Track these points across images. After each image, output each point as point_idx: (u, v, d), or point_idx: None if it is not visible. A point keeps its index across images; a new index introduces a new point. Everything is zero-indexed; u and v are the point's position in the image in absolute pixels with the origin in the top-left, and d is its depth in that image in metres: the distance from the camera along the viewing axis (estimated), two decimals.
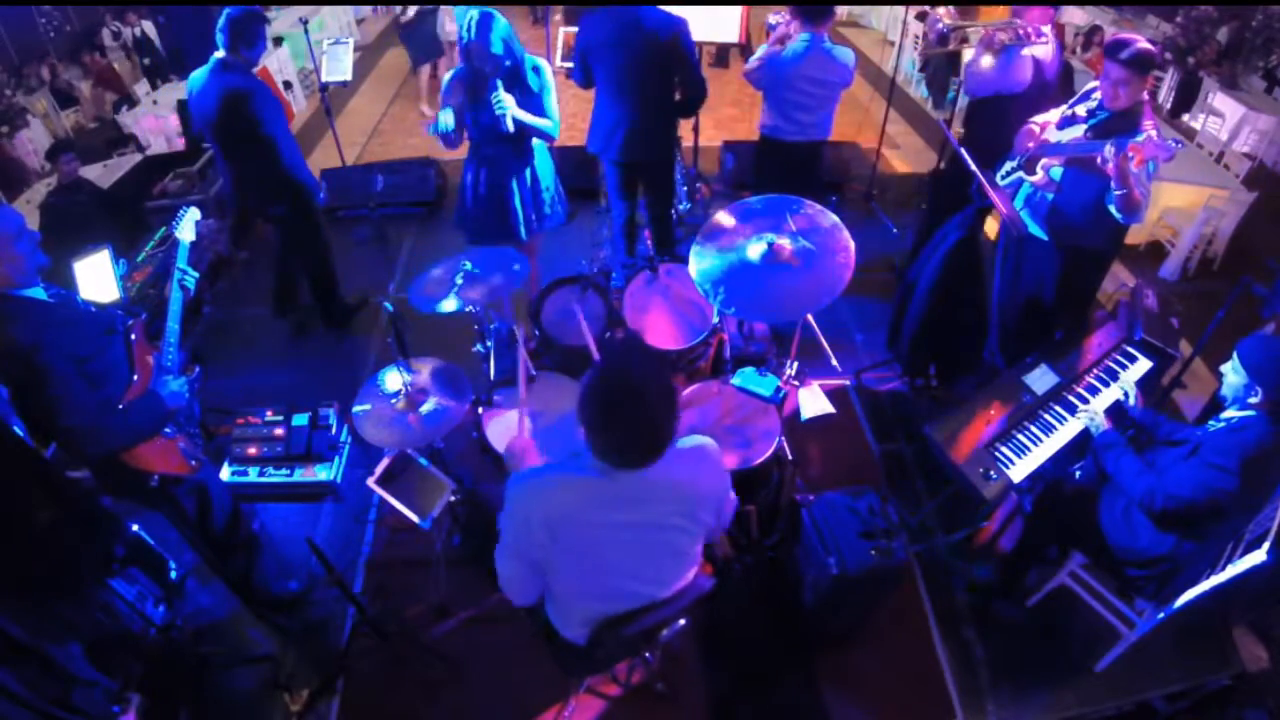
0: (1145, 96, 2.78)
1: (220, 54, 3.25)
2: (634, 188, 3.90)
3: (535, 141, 3.30)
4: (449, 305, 2.56)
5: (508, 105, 2.98)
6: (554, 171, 3.49)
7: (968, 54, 3.74)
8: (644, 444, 1.58)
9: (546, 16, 5.08)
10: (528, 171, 3.32)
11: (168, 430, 2.27)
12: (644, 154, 3.70)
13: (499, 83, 2.97)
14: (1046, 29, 3.41)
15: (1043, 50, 3.42)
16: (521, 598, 1.83)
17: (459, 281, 2.61)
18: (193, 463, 2.33)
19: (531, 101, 3.11)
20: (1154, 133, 2.52)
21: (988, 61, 3.46)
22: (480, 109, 3.06)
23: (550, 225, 3.51)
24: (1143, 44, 2.65)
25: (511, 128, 3.03)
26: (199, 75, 3.34)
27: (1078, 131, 2.84)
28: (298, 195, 3.63)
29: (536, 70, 3.12)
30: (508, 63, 2.99)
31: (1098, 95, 2.86)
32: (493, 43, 2.90)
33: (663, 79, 3.52)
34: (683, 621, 2.03)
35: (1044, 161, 2.94)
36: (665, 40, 3.34)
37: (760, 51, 3.66)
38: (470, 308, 2.61)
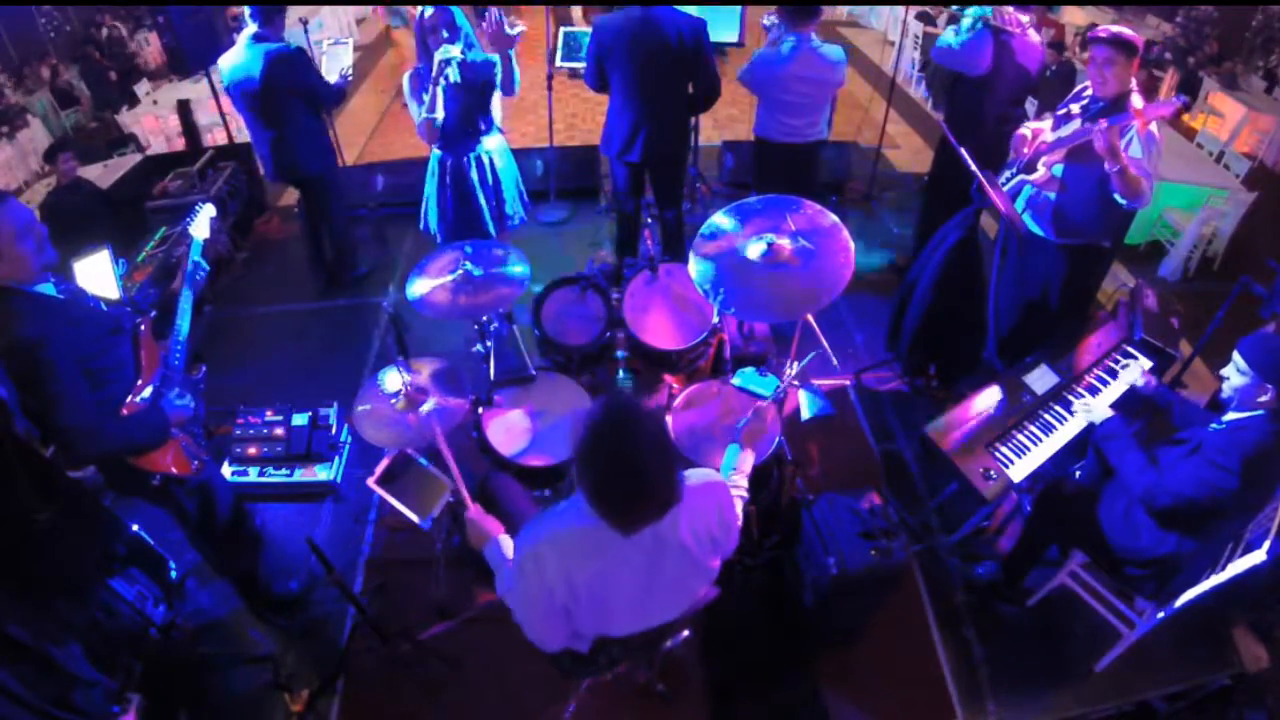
0: (1134, 85, 2.79)
1: (253, 29, 3.68)
2: (642, 187, 3.90)
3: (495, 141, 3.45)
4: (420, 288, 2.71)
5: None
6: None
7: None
8: (634, 495, 1.50)
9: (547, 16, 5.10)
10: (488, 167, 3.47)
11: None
12: (664, 155, 3.70)
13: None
14: (1025, 19, 3.52)
15: (1025, 39, 3.50)
16: (550, 642, 1.77)
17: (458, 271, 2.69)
18: (195, 464, 2.31)
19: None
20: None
21: (951, 36, 3.63)
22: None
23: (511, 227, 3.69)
24: (1123, 28, 2.71)
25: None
26: (234, 52, 3.73)
27: (1074, 127, 2.85)
28: (328, 152, 4.21)
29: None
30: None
31: (1090, 91, 2.89)
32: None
33: (683, 80, 3.51)
34: (686, 632, 2.02)
35: (1045, 159, 2.95)
36: (688, 41, 3.33)
37: (754, 56, 3.67)
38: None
